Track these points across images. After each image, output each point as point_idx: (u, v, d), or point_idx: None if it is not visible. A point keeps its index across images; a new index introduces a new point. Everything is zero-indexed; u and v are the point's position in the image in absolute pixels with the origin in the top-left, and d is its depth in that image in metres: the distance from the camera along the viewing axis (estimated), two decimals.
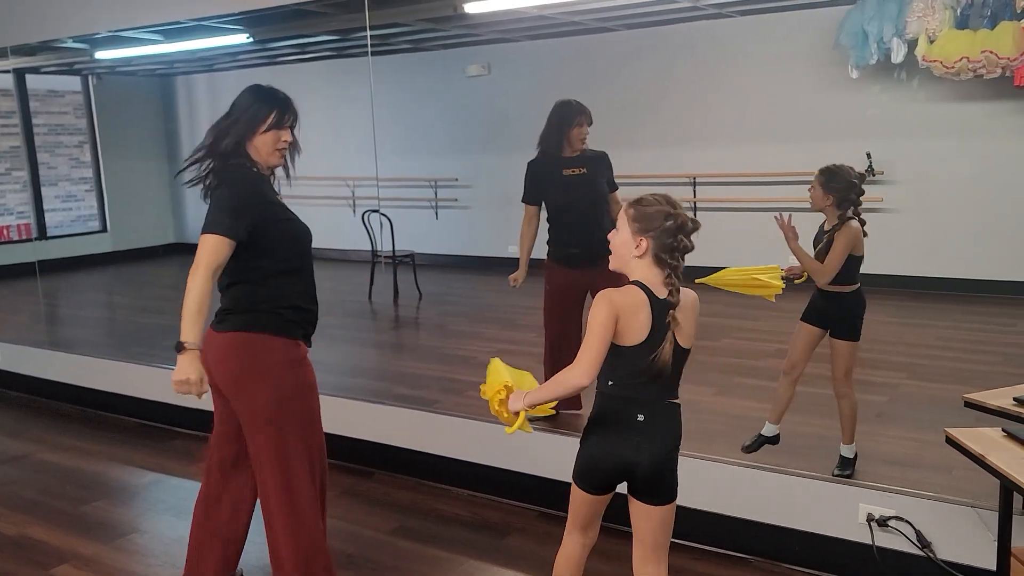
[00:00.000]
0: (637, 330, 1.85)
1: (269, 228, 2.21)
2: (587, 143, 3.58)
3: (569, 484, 2.03)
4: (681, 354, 1.90)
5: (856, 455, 3.11)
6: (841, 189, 2.98)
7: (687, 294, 1.91)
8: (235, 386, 2.24)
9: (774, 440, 3.22)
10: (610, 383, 1.93)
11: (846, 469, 3.06)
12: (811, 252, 3.05)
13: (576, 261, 3.55)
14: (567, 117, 3.54)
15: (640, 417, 1.89)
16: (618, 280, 1.96)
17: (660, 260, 1.87)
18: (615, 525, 2.25)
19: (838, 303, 3.02)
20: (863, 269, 3.04)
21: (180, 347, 2.08)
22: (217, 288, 2.24)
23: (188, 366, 2.08)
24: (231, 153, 2.22)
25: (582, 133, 3.55)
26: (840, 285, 3.01)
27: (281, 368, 2.24)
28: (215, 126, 2.27)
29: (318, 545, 2.35)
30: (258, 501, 2.38)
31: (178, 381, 2.08)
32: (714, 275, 2.70)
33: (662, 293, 1.87)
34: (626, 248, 1.90)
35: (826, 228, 3.05)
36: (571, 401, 3.36)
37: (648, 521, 1.97)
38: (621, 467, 1.92)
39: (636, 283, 1.88)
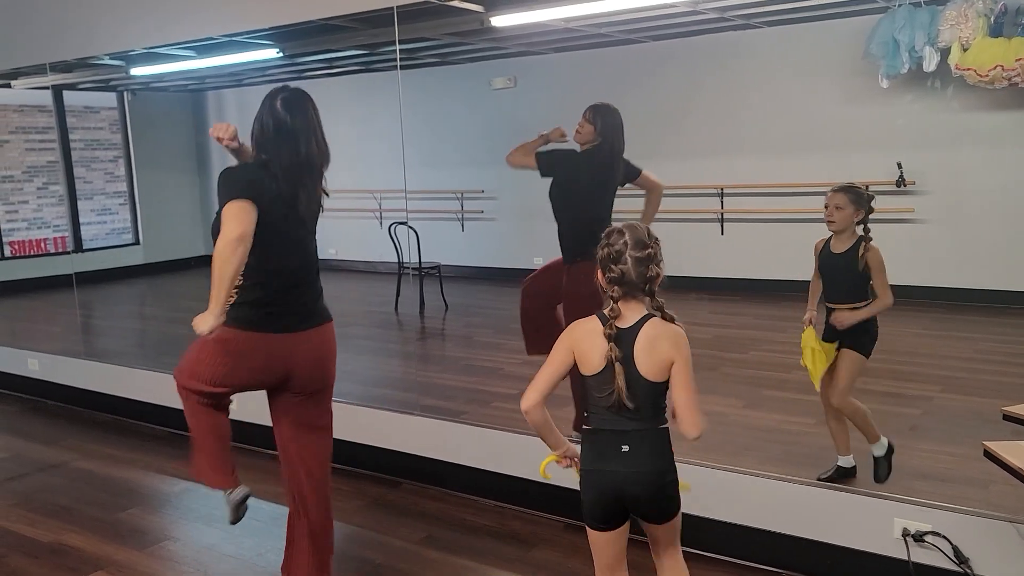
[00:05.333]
0: (592, 360, 1.87)
1: None
2: (585, 138, 3.49)
3: None
4: (648, 386, 1.85)
5: (891, 448, 3.01)
6: (866, 205, 2.90)
7: (656, 327, 1.86)
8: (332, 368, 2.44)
9: (852, 471, 3.07)
10: (586, 414, 1.95)
11: (881, 469, 2.97)
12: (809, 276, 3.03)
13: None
14: None
15: (625, 448, 1.88)
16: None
17: (606, 292, 1.87)
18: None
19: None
20: (893, 280, 2.98)
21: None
22: (309, 285, 2.35)
23: None
24: None
25: (578, 125, 3.51)
26: (853, 302, 2.93)
27: None
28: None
29: None
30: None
31: None
32: None
33: (623, 323, 1.86)
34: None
35: (837, 250, 2.94)
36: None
37: (660, 532, 2.04)
38: (620, 502, 1.93)
39: (599, 314, 1.88)
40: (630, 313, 1.87)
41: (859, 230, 2.93)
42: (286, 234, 2.27)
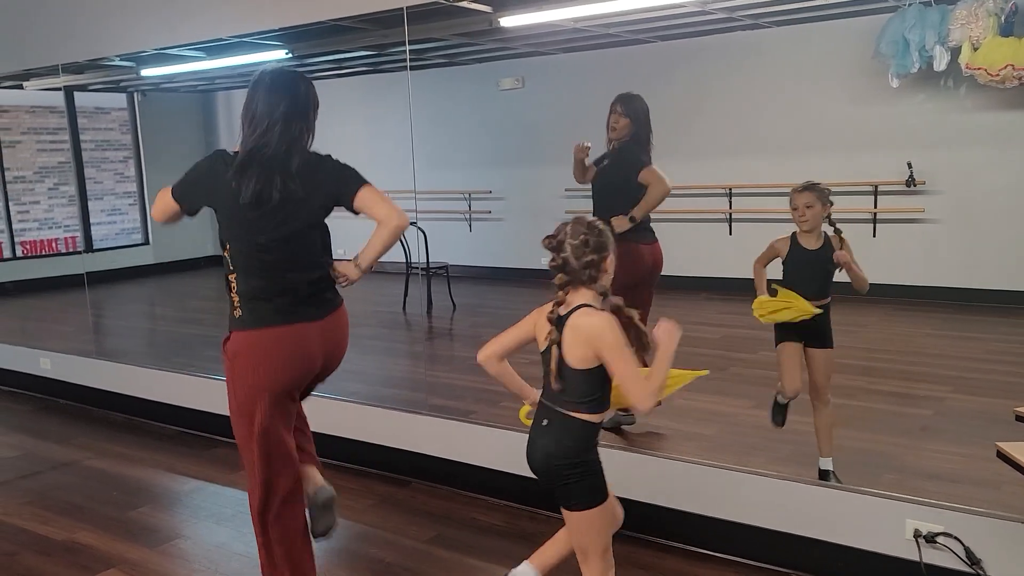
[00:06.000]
0: (541, 340, 2.04)
1: None
2: (623, 133, 3.55)
3: (605, 496, 2.06)
4: (572, 372, 1.96)
5: (835, 475, 3.03)
6: (829, 201, 2.97)
7: (579, 318, 1.95)
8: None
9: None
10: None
11: (824, 477, 3.00)
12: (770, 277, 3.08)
13: None
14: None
15: (544, 422, 2.05)
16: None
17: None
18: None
19: (819, 316, 2.95)
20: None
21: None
22: (305, 271, 2.31)
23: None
24: None
25: (612, 120, 3.56)
26: (822, 297, 2.97)
27: None
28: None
29: None
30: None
31: None
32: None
33: (565, 310, 2.00)
34: None
35: (810, 247, 2.97)
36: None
37: (566, 521, 2.09)
38: (531, 465, 2.09)
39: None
40: (575, 300, 1.99)
41: (824, 226, 2.98)
42: (251, 220, 2.22)
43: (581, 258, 1.95)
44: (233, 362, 2.28)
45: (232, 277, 2.29)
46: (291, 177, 2.23)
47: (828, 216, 2.95)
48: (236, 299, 2.29)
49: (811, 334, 2.99)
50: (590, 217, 2.03)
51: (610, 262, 2.00)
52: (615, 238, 2.03)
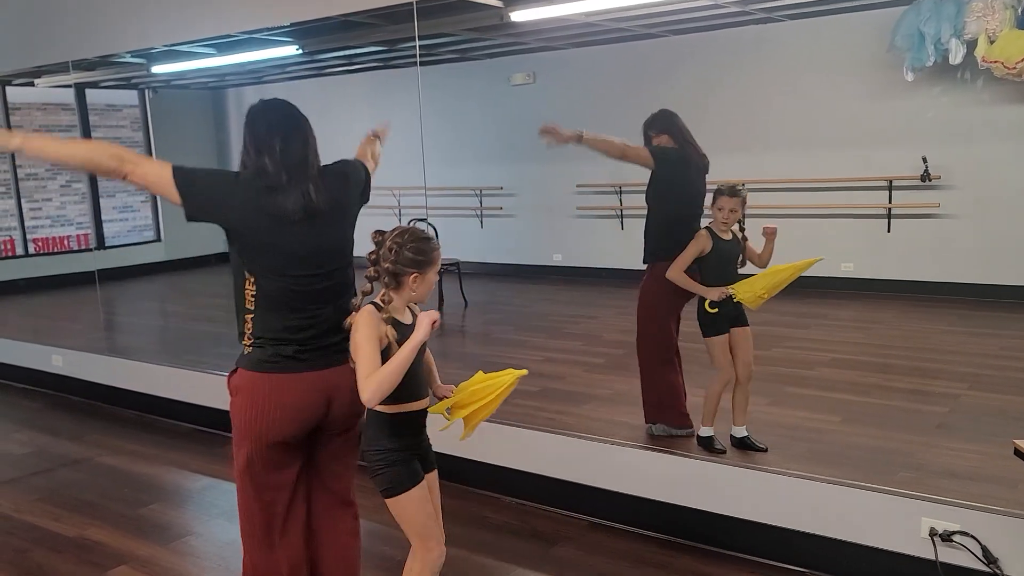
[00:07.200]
0: None
1: None
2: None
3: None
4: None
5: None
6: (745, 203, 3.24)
7: (359, 312, 2.01)
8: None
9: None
10: None
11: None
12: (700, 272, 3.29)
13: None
14: None
15: None
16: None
17: None
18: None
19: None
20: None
21: None
22: (333, 313, 2.15)
23: None
24: None
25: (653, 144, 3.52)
26: (737, 280, 3.22)
27: None
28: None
29: None
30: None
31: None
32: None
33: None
34: None
35: (728, 238, 3.23)
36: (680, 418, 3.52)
37: None
38: None
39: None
40: (379, 296, 2.05)
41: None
42: (286, 251, 2.08)
43: (384, 262, 2.00)
44: (233, 399, 2.18)
45: (250, 317, 2.11)
46: (324, 185, 2.14)
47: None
48: (249, 340, 2.13)
49: (733, 317, 3.25)
50: (425, 232, 2.05)
51: (417, 281, 2.01)
52: None
